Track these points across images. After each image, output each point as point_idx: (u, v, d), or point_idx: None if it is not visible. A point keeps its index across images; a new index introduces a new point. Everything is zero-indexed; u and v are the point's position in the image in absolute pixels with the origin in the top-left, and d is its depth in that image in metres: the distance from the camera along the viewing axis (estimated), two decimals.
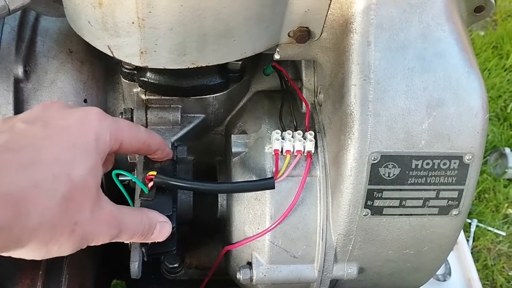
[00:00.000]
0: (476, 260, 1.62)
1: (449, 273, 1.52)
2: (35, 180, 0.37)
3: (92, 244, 0.43)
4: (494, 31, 2.25)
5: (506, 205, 1.78)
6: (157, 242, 0.58)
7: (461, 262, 1.54)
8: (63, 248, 0.40)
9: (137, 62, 0.54)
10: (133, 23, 0.50)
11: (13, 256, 0.39)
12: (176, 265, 0.81)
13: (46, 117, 0.43)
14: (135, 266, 0.55)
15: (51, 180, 0.38)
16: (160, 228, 0.50)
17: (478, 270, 1.53)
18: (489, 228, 1.71)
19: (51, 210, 0.38)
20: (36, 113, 0.44)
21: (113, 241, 0.46)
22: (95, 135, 0.43)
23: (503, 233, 1.71)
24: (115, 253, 0.82)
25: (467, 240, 1.68)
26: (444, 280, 1.51)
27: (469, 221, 1.71)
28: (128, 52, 0.53)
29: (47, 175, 0.38)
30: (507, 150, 1.83)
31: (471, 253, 1.60)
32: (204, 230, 0.80)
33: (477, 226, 1.72)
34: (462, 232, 1.52)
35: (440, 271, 1.47)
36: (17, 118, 0.43)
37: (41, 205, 0.37)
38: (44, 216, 0.37)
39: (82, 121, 0.43)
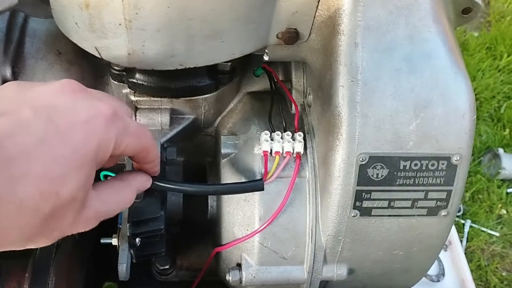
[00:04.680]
0: (469, 261, 1.62)
1: (442, 274, 1.52)
2: (21, 197, 0.35)
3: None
4: (488, 32, 2.26)
5: (500, 205, 1.78)
6: (146, 244, 0.58)
7: (455, 262, 1.54)
8: (39, 244, 0.40)
9: (125, 63, 0.54)
10: (120, 24, 0.50)
11: None
12: (167, 266, 0.81)
13: (54, 107, 0.39)
14: (123, 268, 0.55)
15: (38, 199, 0.36)
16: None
17: (471, 271, 1.53)
18: (483, 229, 1.72)
19: (32, 227, 0.37)
20: (47, 98, 0.40)
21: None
22: (97, 145, 0.39)
23: (497, 234, 1.71)
24: (106, 255, 0.82)
25: (461, 241, 1.68)
26: (438, 281, 1.51)
27: (462, 221, 1.72)
28: (115, 53, 0.53)
29: (34, 193, 0.36)
30: (501, 150, 1.84)
31: (465, 253, 1.60)
32: (195, 231, 0.80)
33: (470, 226, 1.72)
34: (455, 233, 1.52)
35: (433, 272, 1.47)
36: (27, 97, 0.39)
37: (22, 222, 0.36)
38: (24, 232, 0.37)
39: (88, 125, 0.39)
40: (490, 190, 1.81)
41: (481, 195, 1.80)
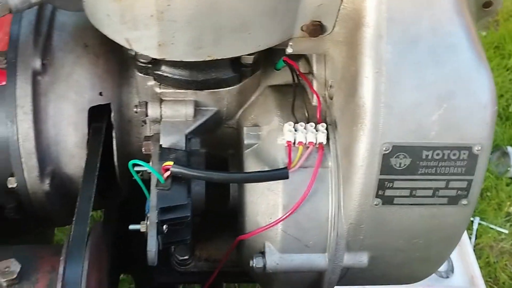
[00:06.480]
0: (478, 258, 1.63)
1: (451, 270, 1.53)
2: None
3: None
4: (496, 31, 2.27)
5: (509, 203, 1.79)
6: (173, 231, 0.60)
7: (464, 259, 1.55)
8: None
9: (154, 54, 0.56)
10: (152, 16, 0.52)
11: None
12: (186, 257, 0.82)
13: None
14: (152, 254, 0.56)
15: None
16: None
17: (480, 267, 1.54)
18: (492, 226, 1.72)
19: None
20: None
21: None
22: None
23: (506, 231, 1.72)
24: (123, 249, 0.83)
25: (470, 238, 1.69)
26: (447, 277, 1.51)
27: (471, 219, 1.73)
28: (146, 44, 0.55)
29: None
30: (509, 149, 1.85)
31: (474, 250, 1.61)
32: (214, 223, 0.82)
33: (479, 223, 1.73)
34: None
35: (443, 268, 1.47)
36: None
37: None
38: None
39: None
40: (499, 188, 1.82)
41: (490, 192, 1.81)
